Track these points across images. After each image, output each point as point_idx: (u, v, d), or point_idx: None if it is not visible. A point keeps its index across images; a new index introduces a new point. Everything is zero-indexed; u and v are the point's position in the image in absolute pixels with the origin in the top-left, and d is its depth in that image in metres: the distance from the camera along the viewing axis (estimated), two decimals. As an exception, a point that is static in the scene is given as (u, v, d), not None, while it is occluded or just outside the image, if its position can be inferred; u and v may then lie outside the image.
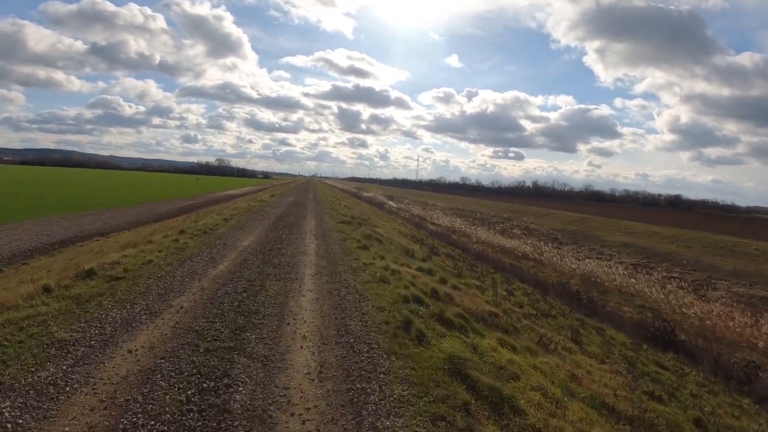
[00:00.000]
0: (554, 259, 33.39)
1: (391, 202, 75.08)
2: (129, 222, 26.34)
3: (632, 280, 27.13)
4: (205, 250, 11.93)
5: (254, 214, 21.04)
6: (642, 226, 48.22)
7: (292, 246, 13.52)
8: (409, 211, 60.69)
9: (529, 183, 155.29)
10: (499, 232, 48.22)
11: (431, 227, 44.91)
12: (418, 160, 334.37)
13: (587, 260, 34.95)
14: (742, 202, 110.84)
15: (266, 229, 17.23)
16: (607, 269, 30.63)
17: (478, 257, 30.44)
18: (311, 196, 41.94)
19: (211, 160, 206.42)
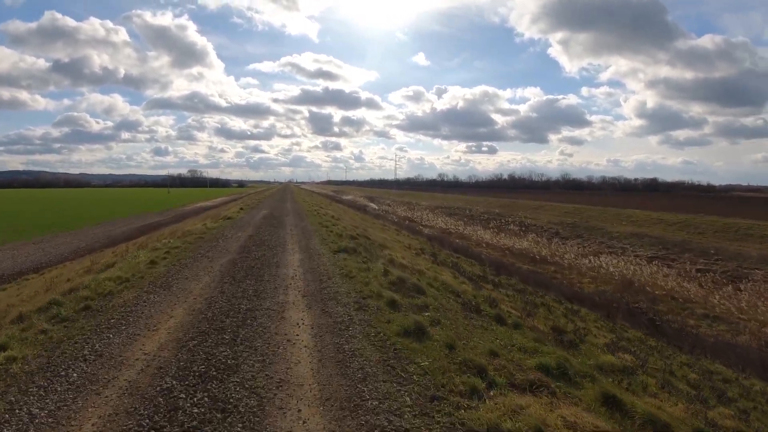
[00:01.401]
0: (575, 260, 28.37)
1: (372, 204, 70.02)
2: (74, 251, 20.62)
3: (686, 284, 22.07)
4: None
5: (208, 241, 14.16)
6: (643, 214, 43.58)
7: (254, 357, 5.03)
8: (395, 213, 55.25)
9: (505, 176, 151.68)
10: (496, 230, 43.11)
11: (426, 231, 39.58)
12: (396, 159, 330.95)
13: (601, 256, 30.27)
14: (714, 181, 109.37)
15: (215, 280, 9.14)
16: (639, 268, 25.86)
17: (491, 265, 25.39)
18: (289, 206, 35.34)
19: (184, 171, 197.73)
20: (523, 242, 35.19)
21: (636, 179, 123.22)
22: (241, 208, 28.94)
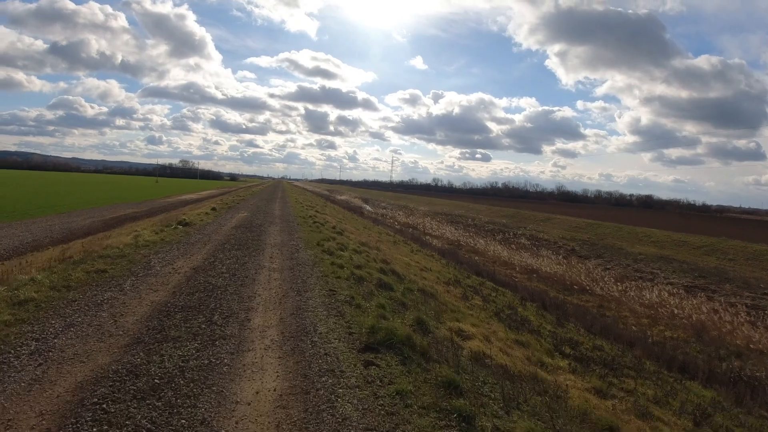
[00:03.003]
0: (612, 288, 23.01)
1: (367, 206, 64.43)
2: (14, 247, 15.04)
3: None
4: None
5: (89, 289, 8.15)
6: (662, 234, 38.32)
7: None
8: (395, 218, 49.46)
9: (499, 184, 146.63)
10: (504, 243, 37.63)
11: (435, 242, 33.88)
12: (392, 161, 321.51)
13: (632, 282, 25.00)
14: (705, 201, 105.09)
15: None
16: (681, 301, 21.30)
17: (518, 292, 20.16)
18: (278, 209, 27.35)
19: (176, 161, 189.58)
20: (545, 262, 29.59)
21: (631, 195, 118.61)
22: (213, 208, 22.40)
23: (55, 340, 4.79)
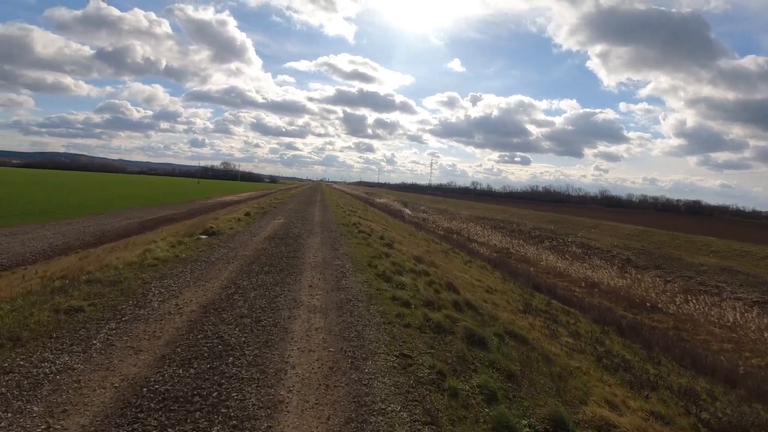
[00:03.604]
0: (693, 312, 19.90)
1: (407, 210, 61.80)
2: (42, 250, 14.23)
3: None
4: None
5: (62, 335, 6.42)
6: (722, 243, 34.37)
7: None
8: (437, 223, 46.58)
9: (538, 187, 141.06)
10: (554, 251, 34.33)
11: (482, 250, 30.91)
12: (431, 165, 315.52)
13: (698, 296, 21.80)
14: (753, 207, 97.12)
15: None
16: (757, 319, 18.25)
17: (586, 312, 17.47)
18: (317, 214, 23.99)
19: (218, 163, 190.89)
20: (604, 274, 26.25)
21: (678, 200, 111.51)
22: (247, 213, 19.75)
23: None
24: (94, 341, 4.68)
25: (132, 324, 5.23)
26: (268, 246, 11.27)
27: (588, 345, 10.62)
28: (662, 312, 20.24)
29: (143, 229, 22.91)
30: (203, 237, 11.60)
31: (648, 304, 21.05)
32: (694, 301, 20.80)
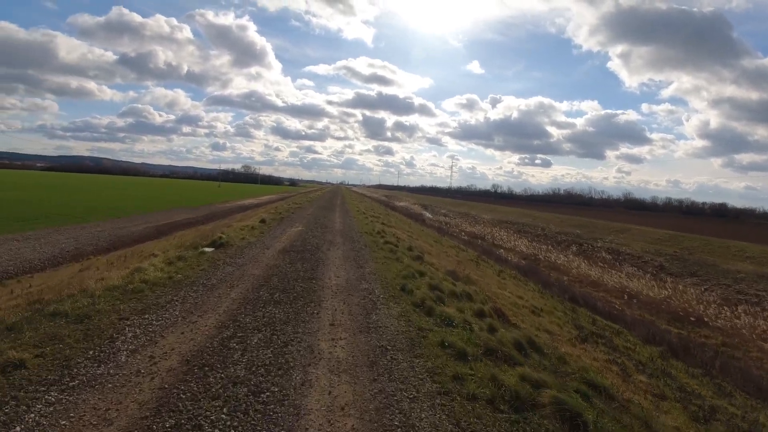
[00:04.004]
0: (743, 329, 17.86)
1: (427, 213, 59.96)
2: (49, 257, 13.66)
3: None
4: None
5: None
6: (758, 248, 31.79)
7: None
8: (460, 227, 44.63)
9: (559, 190, 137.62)
10: (583, 256, 32.19)
11: (510, 257, 28.95)
12: (452, 167, 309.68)
13: (736, 307, 19.97)
14: None
15: None
16: None
17: (631, 328, 15.64)
18: (338, 221, 21.91)
19: (239, 167, 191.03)
20: (642, 283, 24.09)
21: (704, 203, 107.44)
22: (263, 220, 18.07)
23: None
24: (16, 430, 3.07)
25: (80, 394, 3.60)
26: (282, 262, 9.64)
27: (659, 380, 8.82)
28: (707, 326, 18.23)
29: (159, 234, 21.47)
30: (208, 250, 10.00)
31: (692, 317, 19.02)
32: (737, 312, 18.84)
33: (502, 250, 31.53)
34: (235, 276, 7.97)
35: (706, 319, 18.66)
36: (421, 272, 9.19)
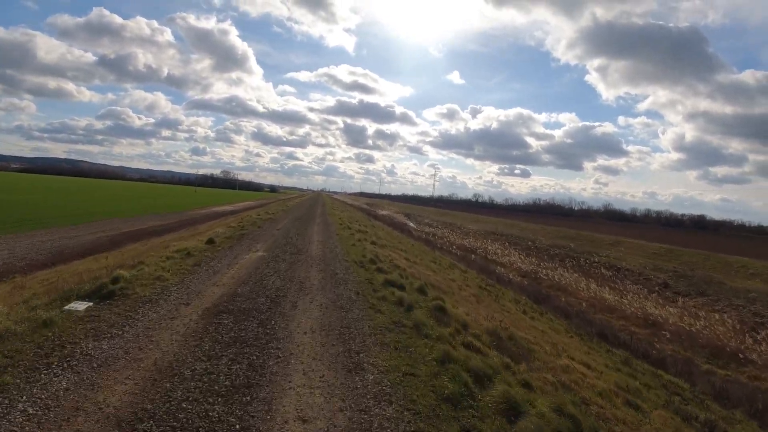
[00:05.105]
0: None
1: (411, 223, 56.62)
2: None
3: None
4: None
5: None
6: (760, 264, 29.28)
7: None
8: (446, 239, 41.25)
9: (539, 200, 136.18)
10: (581, 272, 29.16)
11: (510, 275, 25.68)
12: (434, 176, 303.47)
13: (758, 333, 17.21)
14: (753, 222, 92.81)
15: None
16: None
17: (668, 368, 12.27)
18: (316, 244, 15.66)
19: (218, 172, 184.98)
20: (668, 311, 20.91)
21: (683, 215, 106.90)
22: (210, 240, 13.51)
23: None
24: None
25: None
26: (193, 354, 4.85)
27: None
28: (749, 361, 15.12)
29: (113, 244, 18.24)
30: (78, 308, 5.77)
31: (728, 349, 15.97)
32: (758, 339, 16.06)
33: (499, 267, 28.25)
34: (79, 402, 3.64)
35: (740, 355, 15.60)
36: (481, 375, 5.08)
